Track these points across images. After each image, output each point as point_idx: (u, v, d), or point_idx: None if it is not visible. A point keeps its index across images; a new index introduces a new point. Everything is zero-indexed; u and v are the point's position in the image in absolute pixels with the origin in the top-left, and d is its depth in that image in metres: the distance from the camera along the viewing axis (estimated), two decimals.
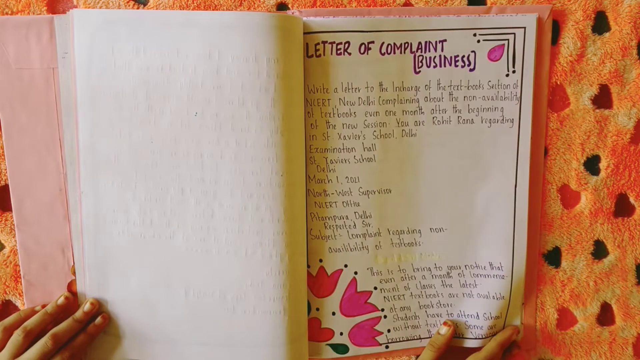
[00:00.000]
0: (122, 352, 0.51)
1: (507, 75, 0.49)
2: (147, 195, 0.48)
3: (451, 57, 0.49)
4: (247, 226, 0.48)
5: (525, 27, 0.48)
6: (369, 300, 0.53)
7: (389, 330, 0.54)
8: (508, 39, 0.48)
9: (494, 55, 0.48)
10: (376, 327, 0.54)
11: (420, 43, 0.48)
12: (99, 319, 0.50)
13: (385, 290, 0.53)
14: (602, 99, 0.52)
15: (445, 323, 0.53)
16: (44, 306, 0.50)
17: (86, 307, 0.49)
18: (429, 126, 0.50)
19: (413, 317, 0.54)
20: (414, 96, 0.49)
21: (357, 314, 0.53)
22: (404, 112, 0.49)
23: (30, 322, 0.47)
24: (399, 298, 0.53)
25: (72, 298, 0.50)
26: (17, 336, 0.46)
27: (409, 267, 0.53)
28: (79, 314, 0.49)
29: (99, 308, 0.50)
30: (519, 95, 0.49)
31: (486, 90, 0.49)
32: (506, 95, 0.49)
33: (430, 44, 0.48)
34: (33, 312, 0.49)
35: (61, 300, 0.50)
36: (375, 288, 0.53)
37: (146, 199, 0.48)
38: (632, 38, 0.50)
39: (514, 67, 0.49)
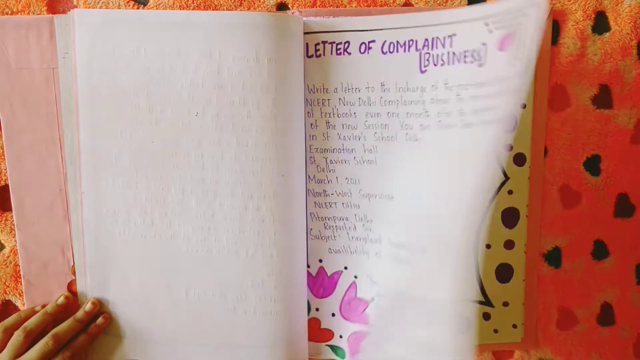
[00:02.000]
0: (122, 352, 0.51)
1: (514, 66, 0.42)
2: (147, 196, 0.48)
3: (460, 53, 0.44)
4: (247, 226, 0.48)
5: (538, 3, 0.40)
6: (366, 311, 0.52)
7: None
8: (521, 22, 0.41)
9: (504, 44, 0.43)
10: None
11: (426, 40, 0.45)
12: (100, 319, 0.49)
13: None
14: (602, 99, 0.52)
15: None
16: (44, 306, 0.50)
17: (87, 306, 0.49)
18: (434, 130, 0.46)
19: None
20: (419, 97, 0.47)
21: (356, 321, 0.52)
22: (408, 115, 0.47)
23: (30, 322, 0.47)
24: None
25: (72, 297, 0.50)
26: (17, 336, 0.46)
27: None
28: (80, 313, 0.49)
29: (100, 308, 0.50)
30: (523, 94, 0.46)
31: (493, 87, 0.43)
32: (510, 90, 0.43)
33: (438, 40, 0.45)
34: (33, 312, 0.49)
35: (61, 299, 0.50)
36: (373, 299, 0.51)
37: (147, 199, 0.48)
38: (632, 38, 0.50)
39: (518, 55, 0.42)
